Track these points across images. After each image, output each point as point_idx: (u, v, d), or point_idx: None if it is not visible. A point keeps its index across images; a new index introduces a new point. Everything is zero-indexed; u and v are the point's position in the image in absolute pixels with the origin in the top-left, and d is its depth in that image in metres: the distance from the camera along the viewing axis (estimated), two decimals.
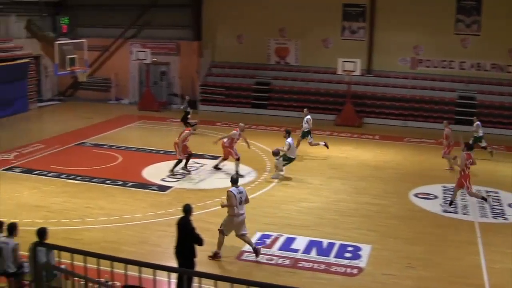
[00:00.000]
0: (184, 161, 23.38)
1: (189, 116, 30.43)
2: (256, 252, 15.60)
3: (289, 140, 23.08)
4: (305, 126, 26.54)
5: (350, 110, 33.27)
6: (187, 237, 12.91)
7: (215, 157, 25.04)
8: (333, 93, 35.31)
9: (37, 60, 38.79)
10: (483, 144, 26.36)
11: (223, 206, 15.73)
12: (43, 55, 37.46)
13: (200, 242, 12.89)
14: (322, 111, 34.61)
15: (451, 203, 19.72)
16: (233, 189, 15.41)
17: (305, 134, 26.62)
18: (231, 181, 15.73)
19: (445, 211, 19.47)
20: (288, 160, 23.14)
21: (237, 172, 22.60)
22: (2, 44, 35.80)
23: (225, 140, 23.69)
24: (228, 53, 38.50)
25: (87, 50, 33.69)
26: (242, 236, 15.66)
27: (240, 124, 24.31)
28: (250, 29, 37.54)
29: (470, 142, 23.25)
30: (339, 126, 32.62)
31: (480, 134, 26.33)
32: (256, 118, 34.85)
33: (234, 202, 15.25)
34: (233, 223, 15.46)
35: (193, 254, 12.83)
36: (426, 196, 21.05)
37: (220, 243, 15.53)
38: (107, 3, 40.18)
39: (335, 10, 35.50)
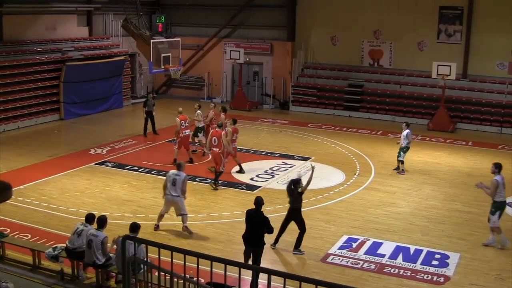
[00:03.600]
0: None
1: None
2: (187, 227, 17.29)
3: (499, 177, 16.98)
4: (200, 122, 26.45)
5: (444, 115, 32.54)
6: (259, 227, 13.88)
7: (304, 158, 25.03)
8: (426, 97, 34.60)
9: (133, 58, 39.68)
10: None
11: None
12: (138, 53, 38.21)
13: (271, 230, 14.11)
14: (415, 115, 34.15)
15: None
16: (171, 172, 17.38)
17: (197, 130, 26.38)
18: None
19: None
20: (501, 208, 17.07)
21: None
22: (100, 41, 36.81)
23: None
24: (321, 54, 38.31)
25: (181, 48, 34.14)
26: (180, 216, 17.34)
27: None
28: (344, 30, 37.24)
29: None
30: (432, 131, 31.92)
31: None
32: (348, 120, 34.65)
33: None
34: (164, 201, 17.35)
35: (263, 243, 13.96)
36: None
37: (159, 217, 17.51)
38: (202, 2, 40.77)
39: (431, 12, 34.71)
